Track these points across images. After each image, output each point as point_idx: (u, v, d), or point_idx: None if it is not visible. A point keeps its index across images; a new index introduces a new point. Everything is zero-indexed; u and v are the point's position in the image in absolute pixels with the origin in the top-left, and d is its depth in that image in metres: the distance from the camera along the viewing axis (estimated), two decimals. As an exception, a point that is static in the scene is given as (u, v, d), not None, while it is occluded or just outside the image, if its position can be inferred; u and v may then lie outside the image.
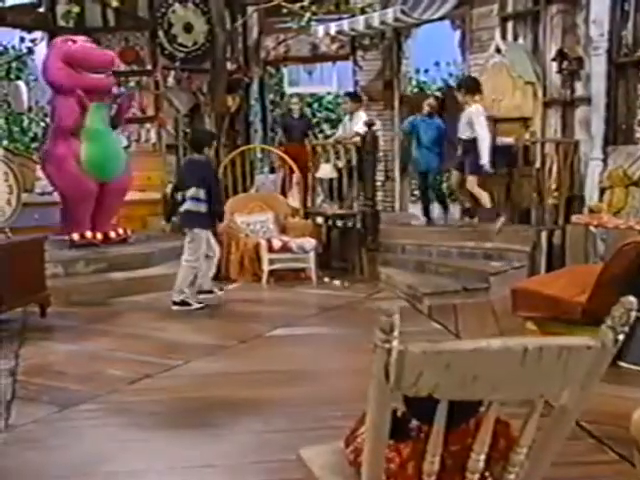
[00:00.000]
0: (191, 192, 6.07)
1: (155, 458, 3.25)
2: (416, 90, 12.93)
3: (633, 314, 1.47)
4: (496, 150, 7.24)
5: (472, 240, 7.23)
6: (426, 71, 13.54)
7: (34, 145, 11.88)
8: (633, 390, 3.47)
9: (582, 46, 7.03)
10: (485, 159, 7.04)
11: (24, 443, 3.40)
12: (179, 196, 6.23)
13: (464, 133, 7.29)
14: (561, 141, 7.21)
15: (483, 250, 7.03)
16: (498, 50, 7.57)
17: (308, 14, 9.13)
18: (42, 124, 10.80)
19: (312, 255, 7.48)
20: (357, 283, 7.28)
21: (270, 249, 7.33)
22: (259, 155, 10.76)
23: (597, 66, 6.74)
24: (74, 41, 7.27)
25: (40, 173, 8.29)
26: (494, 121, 7.51)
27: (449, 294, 6.23)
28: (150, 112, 9.80)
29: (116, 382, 4.27)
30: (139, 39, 9.70)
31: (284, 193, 8.95)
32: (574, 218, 6.40)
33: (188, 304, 6.15)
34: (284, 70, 12.14)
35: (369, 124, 7.63)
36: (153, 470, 3.14)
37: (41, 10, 9.44)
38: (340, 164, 8.28)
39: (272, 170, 10.47)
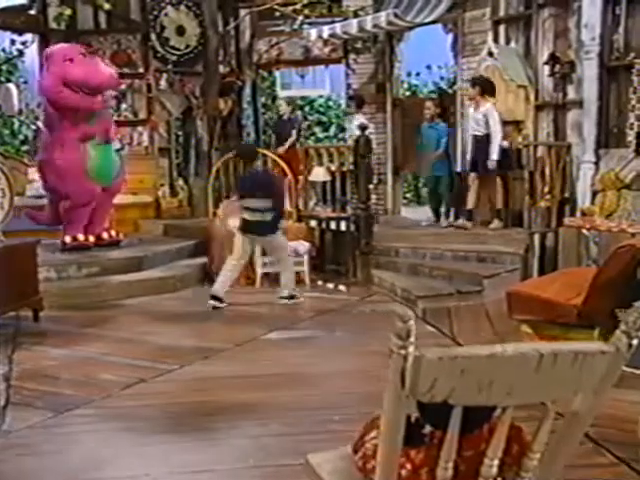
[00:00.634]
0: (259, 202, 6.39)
1: (151, 463, 3.23)
2: (408, 93, 12.98)
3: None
4: None
5: (466, 243, 7.27)
6: (417, 74, 13.58)
7: (24, 148, 11.80)
8: (631, 393, 3.47)
9: (574, 50, 7.06)
10: (495, 155, 7.27)
11: (19, 449, 3.37)
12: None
13: (478, 129, 7.43)
14: (553, 144, 7.23)
15: (476, 253, 7.05)
16: (490, 54, 7.60)
17: (301, 17, 9.13)
18: (33, 127, 10.73)
19: (306, 258, 7.48)
20: (351, 286, 7.28)
21: (263, 252, 7.31)
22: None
23: (589, 70, 6.78)
24: (71, 59, 7.09)
25: (31, 176, 8.23)
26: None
27: (443, 297, 6.25)
28: (142, 115, 9.77)
29: (110, 387, 4.24)
30: (131, 42, 9.64)
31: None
32: (567, 221, 6.43)
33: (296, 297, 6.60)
34: (277, 73, 12.15)
35: (362, 127, 7.63)
36: (149, 475, 3.11)
37: (32, 12, 9.38)
38: (333, 167, 8.29)
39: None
